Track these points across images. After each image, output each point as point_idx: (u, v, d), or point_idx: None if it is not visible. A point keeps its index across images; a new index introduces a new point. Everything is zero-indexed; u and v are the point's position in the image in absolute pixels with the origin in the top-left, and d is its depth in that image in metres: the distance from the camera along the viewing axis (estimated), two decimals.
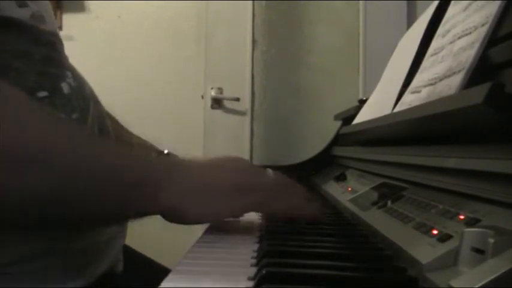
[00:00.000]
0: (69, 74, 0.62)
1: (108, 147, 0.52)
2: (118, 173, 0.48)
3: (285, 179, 0.64)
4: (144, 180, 0.49)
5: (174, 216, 0.52)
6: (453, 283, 0.30)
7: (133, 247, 0.81)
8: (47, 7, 0.64)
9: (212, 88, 2.01)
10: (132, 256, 0.77)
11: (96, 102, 0.68)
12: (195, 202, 0.52)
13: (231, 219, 0.60)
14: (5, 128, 0.40)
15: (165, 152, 0.88)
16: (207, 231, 0.61)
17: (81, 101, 0.62)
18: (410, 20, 1.85)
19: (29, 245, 0.54)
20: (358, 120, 1.03)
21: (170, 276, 0.40)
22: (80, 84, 0.64)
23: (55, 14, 2.21)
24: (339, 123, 1.31)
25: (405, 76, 0.79)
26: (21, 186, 0.42)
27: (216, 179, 0.55)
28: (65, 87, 0.60)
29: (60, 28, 2.23)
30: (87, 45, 2.22)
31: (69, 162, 0.44)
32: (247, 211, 0.59)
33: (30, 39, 0.58)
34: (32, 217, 0.45)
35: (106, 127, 0.69)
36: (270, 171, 0.63)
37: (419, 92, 0.66)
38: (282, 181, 0.63)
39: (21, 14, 0.57)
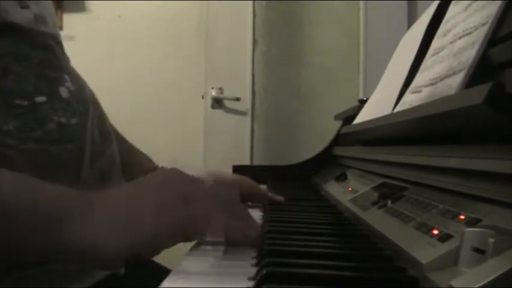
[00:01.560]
0: (67, 77, 0.61)
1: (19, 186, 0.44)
2: (25, 211, 0.42)
3: (223, 193, 0.55)
4: (40, 217, 0.42)
5: (87, 259, 0.44)
6: (454, 283, 0.30)
7: None
8: (49, 8, 0.64)
9: (213, 88, 2.01)
10: (132, 256, 0.77)
11: (96, 105, 0.67)
12: (109, 238, 0.43)
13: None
14: None
15: (159, 167, 0.87)
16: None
17: (81, 104, 0.62)
18: (411, 19, 1.84)
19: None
20: (358, 120, 1.03)
21: (170, 276, 0.40)
22: (79, 88, 0.63)
23: (55, 14, 2.21)
24: (339, 123, 1.31)
25: (406, 76, 0.79)
26: None
27: (137, 204, 0.46)
28: (63, 92, 0.59)
29: (61, 28, 2.23)
30: (88, 45, 2.22)
31: None
32: (181, 231, 0.48)
33: (29, 43, 0.58)
34: None
35: (107, 130, 0.68)
36: (206, 182, 0.54)
37: (419, 91, 0.66)
38: (219, 199, 0.53)
39: (23, 15, 0.57)
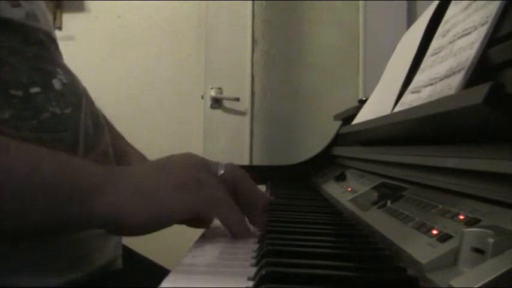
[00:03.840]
0: (60, 71, 0.63)
1: (42, 157, 0.48)
2: (47, 183, 0.46)
3: (236, 175, 0.60)
4: (74, 189, 0.47)
5: (113, 226, 0.49)
6: (453, 283, 0.30)
7: (133, 248, 0.81)
8: (41, 6, 0.65)
9: (212, 88, 2.01)
10: (131, 257, 0.77)
11: (89, 99, 0.68)
12: (134, 208, 0.49)
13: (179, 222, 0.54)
14: None
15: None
16: (207, 231, 0.61)
17: (74, 96, 0.63)
18: (410, 19, 1.85)
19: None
20: (357, 120, 1.03)
21: (169, 276, 0.40)
22: (72, 82, 0.65)
23: (55, 14, 2.21)
24: (338, 123, 1.31)
25: (405, 76, 0.79)
26: None
27: (158, 181, 0.52)
28: (57, 84, 0.61)
29: (60, 28, 2.23)
30: (87, 45, 2.22)
31: None
32: (194, 211, 0.53)
33: (22, 39, 0.59)
34: None
35: (100, 123, 0.69)
36: (222, 165, 0.59)
37: (419, 92, 0.66)
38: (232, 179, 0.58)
39: (15, 13, 0.58)
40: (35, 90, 0.57)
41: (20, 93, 0.55)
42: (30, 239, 0.54)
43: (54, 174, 0.47)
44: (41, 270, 0.55)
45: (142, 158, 0.86)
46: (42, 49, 0.62)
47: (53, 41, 0.66)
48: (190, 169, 0.55)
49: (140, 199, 0.49)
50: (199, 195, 0.52)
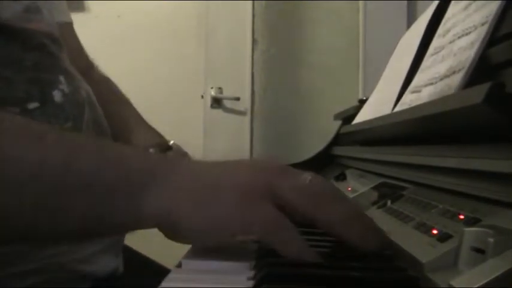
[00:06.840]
0: (62, 79, 0.59)
1: (79, 147, 0.41)
2: (87, 178, 0.39)
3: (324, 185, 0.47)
4: (118, 183, 0.40)
5: (166, 229, 0.42)
6: (453, 283, 0.30)
7: (133, 247, 0.81)
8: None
9: (212, 87, 2.01)
10: (131, 256, 0.77)
11: (93, 105, 0.66)
12: (193, 211, 0.40)
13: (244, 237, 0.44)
14: None
15: (170, 143, 0.86)
16: None
17: (75, 107, 0.60)
18: (411, 19, 1.84)
19: (25, 262, 0.53)
20: (358, 120, 1.03)
21: (170, 276, 0.40)
22: (75, 89, 0.61)
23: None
24: (338, 122, 1.31)
25: (405, 76, 0.79)
26: None
27: (225, 181, 0.42)
28: (57, 95, 0.58)
29: None
30: (87, 45, 2.21)
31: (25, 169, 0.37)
32: (249, 233, 0.43)
33: (21, 45, 0.55)
34: None
35: (104, 132, 0.67)
36: (306, 175, 0.44)
37: (419, 91, 0.66)
38: (320, 188, 0.45)
39: (13, 8, 0.55)
40: (32, 105, 0.54)
41: (17, 110, 0.52)
42: (65, 243, 0.49)
43: (95, 164, 0.40)
44: (45, 283, 0.55)
45: (158, 138, 0.85)
46: (42, 55, 0.58)
47: (56, 41, 0.62)
48: (268, 173, 0.43)
49: (197, 199, 0.41)
50: (258, 214, 0.42)
